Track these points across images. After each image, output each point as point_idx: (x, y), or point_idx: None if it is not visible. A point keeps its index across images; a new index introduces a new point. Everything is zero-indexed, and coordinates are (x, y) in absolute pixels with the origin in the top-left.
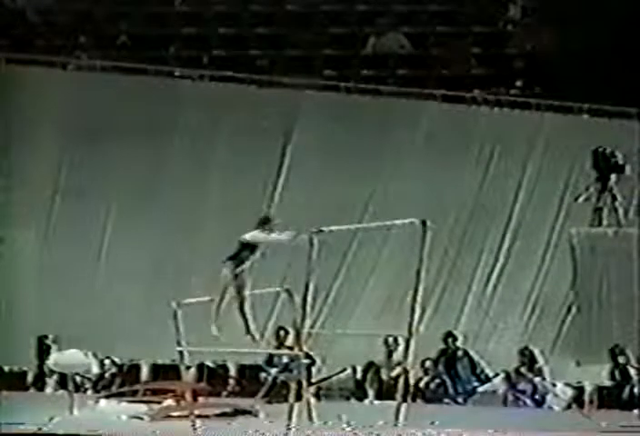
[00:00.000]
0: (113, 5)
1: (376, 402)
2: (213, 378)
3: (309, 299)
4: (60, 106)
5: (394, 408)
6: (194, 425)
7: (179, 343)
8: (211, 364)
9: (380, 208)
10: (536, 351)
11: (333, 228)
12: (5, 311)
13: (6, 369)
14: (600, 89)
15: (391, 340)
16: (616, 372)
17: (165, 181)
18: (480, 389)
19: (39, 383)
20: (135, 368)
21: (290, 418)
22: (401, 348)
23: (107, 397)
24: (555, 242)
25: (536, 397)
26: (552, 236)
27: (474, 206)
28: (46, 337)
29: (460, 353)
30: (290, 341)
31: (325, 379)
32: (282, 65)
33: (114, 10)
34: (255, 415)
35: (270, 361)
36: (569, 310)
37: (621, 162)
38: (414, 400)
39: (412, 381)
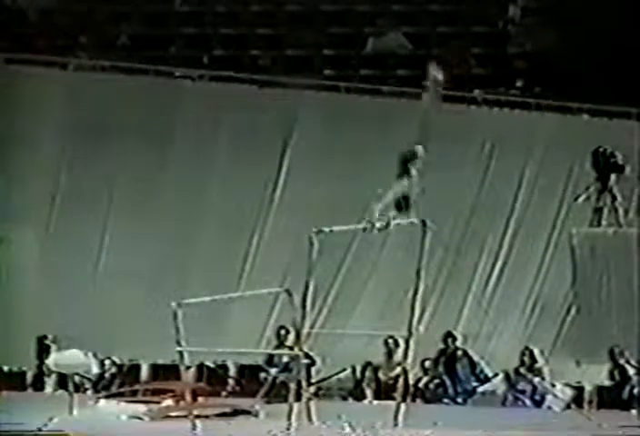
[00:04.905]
0: (113, 5)
1: (376, 402)
2: (213, 378)
3: (309, 299)
4: (60, 106)
5: (393, 408)
6: (193, 425)
7: (179, 343)
8: (211, 364)
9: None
10: (536, 351)
11: (333, 228)
12: (5, 311)
13: (6, 369)
14: (600, 89)
15: (391, 340)
16: (616, 373)
17: (165, 181)
18: (480, 389)
19: (38, 383)
20: (135, 368)
21: (290, 418)
22: (401, 348)
23: (107, 397)
24: (555, 242)
25: (536, 397)
26: (552, 236)
27: (474, 206)
28: (46, 337)
29: (460, 353)
30: (290, 341)
31: (324, 379)
32: (282, 65)
33: (114, 10)
34: (255, 415)
35: (270, 361)
36: (569, 310)
37: (621, 162)
38: (413, 400)
39: (411, 382)
